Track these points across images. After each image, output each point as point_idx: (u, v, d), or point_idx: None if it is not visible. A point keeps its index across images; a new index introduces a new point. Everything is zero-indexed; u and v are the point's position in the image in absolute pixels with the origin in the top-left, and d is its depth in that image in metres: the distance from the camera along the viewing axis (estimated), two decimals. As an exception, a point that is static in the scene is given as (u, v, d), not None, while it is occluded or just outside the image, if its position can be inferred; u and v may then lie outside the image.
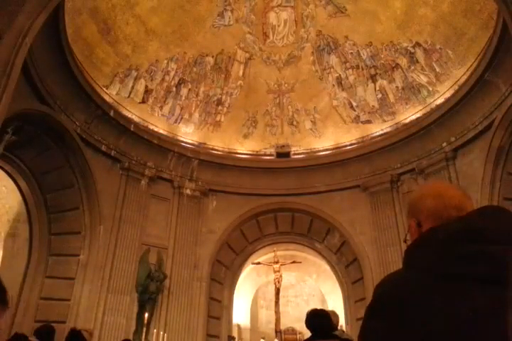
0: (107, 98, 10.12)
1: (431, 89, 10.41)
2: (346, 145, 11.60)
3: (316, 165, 11.58)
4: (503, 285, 0.83)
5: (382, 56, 11.04)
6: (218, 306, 10.94)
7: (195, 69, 11.62)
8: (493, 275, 0.84)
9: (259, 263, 12.43)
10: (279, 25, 11.71)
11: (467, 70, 9.30)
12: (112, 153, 10.06)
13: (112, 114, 10.00)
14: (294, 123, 12.25)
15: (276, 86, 12.17)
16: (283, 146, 12.12)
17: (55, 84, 8.36)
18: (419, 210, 1.15)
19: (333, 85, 11.77)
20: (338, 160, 11.39)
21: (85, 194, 9.40)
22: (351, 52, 11.37)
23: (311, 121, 12.12)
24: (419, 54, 10.44)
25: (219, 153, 11.81)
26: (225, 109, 12.05)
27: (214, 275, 11.00)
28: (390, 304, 0.90)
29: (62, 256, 9.05)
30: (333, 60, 11.61)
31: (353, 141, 11.55)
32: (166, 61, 11.23)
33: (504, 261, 0.84)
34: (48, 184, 9.15)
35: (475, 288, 0.84)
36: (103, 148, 9.86)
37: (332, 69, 11.68)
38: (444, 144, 9.78)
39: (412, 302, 0.86)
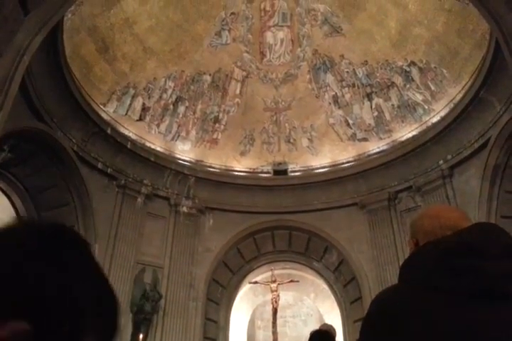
0: (104, 116, 10.14)
1: (426, 107, 10.51)
2: (343, 163, 11.61)
3: (314, 182, 11.56)
4: (491, 299, 0.83)
5: (378, 75, 11.18)
6: (214, 327, 10.71)
7: (192, 87, 11.71)
8: (481, 289, 0.84)
9: (256, 282, 12.23)
10: (275, 45, 11.89)
11: (462, 89, 9.41)
12: (109, 170, 10.02)
13: (109, 131, 10.01)
14: (291, 140, 12.29)
15: (273, 104, 12.26)
16: (280, 164, 12.12)
17: (53, 102, 8.37)
18: (417, 230, 1.23)
19: (330, 103, 11.87)
20: (336, 178, 11.38)
21: (81, 212, 9.30)
22: (347, 71, 11.51)
23: (308, 139, 12.16)
24: (415, 73, 10.59)
25: (216, 170, 11.78)
26: (222, 127, 12.10)
27: (210, 295, 10.81)
28: (383, 318, 0.90)
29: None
30: (330, 78, 11.74)
31: (350, 159, 11.57)
32: (163, 79, 11.32)
33: (493, 275, 0.84)
34: (43, 202, 9.06)
35: (463, 301, 0.84)
36: (99, 165, 9.82)
37: (328, 88, 11.81)
38: (441, 162, 9.81)
39: (405, 315, 0.87)
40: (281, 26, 11.68)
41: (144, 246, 10.24)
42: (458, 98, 9.48)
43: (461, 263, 0.87)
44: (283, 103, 12.24)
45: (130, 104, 10.92)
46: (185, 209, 11.11)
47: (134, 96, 10.97)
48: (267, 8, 11.54)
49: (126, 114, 10.84)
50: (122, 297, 9.30)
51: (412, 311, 0.87)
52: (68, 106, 8.87)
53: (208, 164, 11.83)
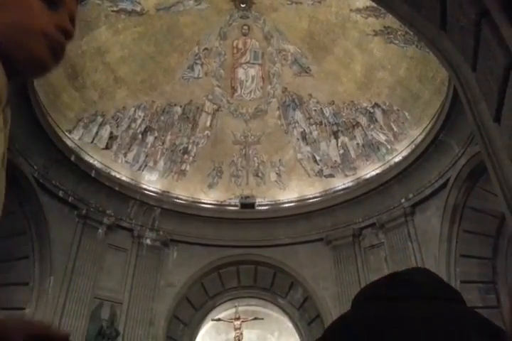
0: (68, 143, 9.92)
1: (389, 147, 10.93)
2: (310, 198, 11.74)
3: (280, 217, 11.57)
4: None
5: (344, 114, 11.61)
6: (173, 367, 10.17)
7: (162, 117, 11.73)
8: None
9: (219, 319, 11.83)
10: (247, 81, 12.21)
11: (423, 131, 9.89)
12: (70, 199, 9.67)
13: (72, 159, 9.76)
14: (260, 174, 12.38)
15: (242, 137, 12.41)
16: (248, 197, 12.12)
17: (16, 126, 8.12)
18: None
19: (298, 139, 12.14)
20: (302, 213, 11.45)
21: (37, 242, 8.84)
22: (315, 109, 11.91)
23: (276, 173, 12.30)
24: (378, 114, 11.08)
25: (183, 202, 11.62)
26: (190, 158, 12.06)
27: (171, 332, 10.33)
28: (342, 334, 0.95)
29: (5, 310, 8.27)
30: (298, 115, 12.08)
31: (317, 194, 11.73)
32: (133, 108, 11.29)
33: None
34: (-4, 231, 8.57)
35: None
36: (60, 193, 9.48)
37: (297, 124, 12.12)
38: (403, 200, 10.09)
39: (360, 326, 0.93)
40: (253, 64, 12.06)
41: (103, 280, 9.77)
42: (419, 140, 9.92)
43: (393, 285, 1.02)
44: (252, 137, 12.42)
45: (97, 132, 10.77)
46: (148, 241, 10.79)
47: (101, 125, 10.83)
48: (240, 46, 11.94)
49: (92, 142, 10.65)
50: (76, 333, 8.73)
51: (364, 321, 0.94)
52: (32, 132, 8.62)
53: (174, 195, 11.66)
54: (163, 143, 11.78)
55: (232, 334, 11.97)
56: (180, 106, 11.88)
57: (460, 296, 1.03)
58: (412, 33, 7.44)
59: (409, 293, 0.97)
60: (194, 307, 11.09)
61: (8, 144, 0.75)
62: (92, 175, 10.16)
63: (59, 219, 9.31)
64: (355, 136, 11.52)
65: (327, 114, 11.77)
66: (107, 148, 10.92)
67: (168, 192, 11.62)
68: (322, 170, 11.89)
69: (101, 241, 10.06)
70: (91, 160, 10.40)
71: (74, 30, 0.96)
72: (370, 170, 11.15)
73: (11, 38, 0.84)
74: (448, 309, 0.95)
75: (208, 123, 12.21)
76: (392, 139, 10.83)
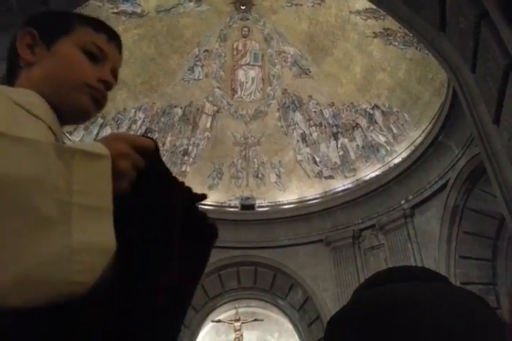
0: (69, 144, 9.93)
1: (389, 148, 10.95)
2: (310, 200, 11.76)
3: (280, 218, 11.58)
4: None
5: (344, 116, 11.63)
6: (172, 369, 10.15)
7: (163, 119, 11.75)
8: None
9: (219, 321, 11.83)
10: (247, 82, 12.24)
11: (422, 132, 9.91)
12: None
13: (73, 160, 9.76)
14: (260, 176, 12.39)
15: (242, 139, 12.43)
16: (248, 198, 12.13)
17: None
18: None
19: (298, 141, 12.16)
20: (302, 214, 11.46)
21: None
22: (315, 111, 11.93)
23: (276, 175, 12.31)
24: (378, 115, 11.10)
25: (182, 203, 11.61)
26: (191, 160, 12.08)
27: (169, 334, 10.31)
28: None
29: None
30: (298, 117, 12.11)
31: (317, 196, 11.75)
32: (133, 110, 11.32)
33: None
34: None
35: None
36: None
37: (297, 126, 12.14)
38: (403, 202, 10.10)
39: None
40: (253, 65, 12.09)
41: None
42: (418, 141, 9.94)
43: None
44: (252, 138, 12.43)
45: (98, 134, 10.78)
46: (148, 242, 10.78)
47: (102, 126, 10.86)
48: (240, 48, 11.98)
49: (93, 144, 10.67)
50: None
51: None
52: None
53: (174, 197, 11.65)
54: (163, 145, 11.79)
55: (233, 335, 11.96)
56: (181, 108, 11.90)
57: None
58: (411, 34, 7.48)
59: (408, 277, 0.99)
60: (194, 309, 11.08)
61: None
62: (92, 176, 10.15)
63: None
64: (354, 138, 11.54)
65: (327, 116, 11.80)
66: (107, 149, 10.93)
67: (168, 193, 11.62)
68: (322, 172, 11.91)
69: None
70: (91, 162, 10.40)
71: (115, 82, 1.08)
72: (369, 171, 11.17)
73: (59, 91, 0.96)
74: (450, 287, 0.98)
75: (208, 125, 12.23)
76: (392, 141, 10.86)
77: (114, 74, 1.07)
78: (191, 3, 10.56)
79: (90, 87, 0.98)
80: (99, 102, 1.02)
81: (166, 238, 0.79)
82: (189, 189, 0.92)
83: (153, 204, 0.80)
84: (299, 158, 12.17)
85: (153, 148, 0.87)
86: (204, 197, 0.94)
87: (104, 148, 0.75)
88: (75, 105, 0.98)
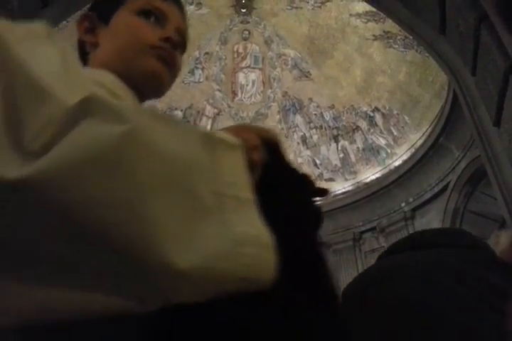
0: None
1: (389, 151, 10.95)
2: (310, 202, 11.74)
3: (280, 221, 11.56)
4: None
5: (344, 118, 11.64)
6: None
7: (163, 122, 11.77)
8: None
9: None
10: (247, 85, 12.26)
11: (422, 135, 9.91)
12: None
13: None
14: (260, 178, 12.39)
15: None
16: (248, 201, 12.12)
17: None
18: None
19: (298, 143, 12.17)
20: (302, 217, 11.44)
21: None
22: (315, 114, 11.94)
23: (277, 177, 12.31)
24: (378, 118, 11.11)
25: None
26: (191, 162, 12.09)
27: None
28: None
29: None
30: (298, 119, 12.12)
31: (318, 198, 11.72)
32: (134, 113, 11.34)
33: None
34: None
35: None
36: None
37: (297, 128, 12.15)
38: (403, 204, 10.10)
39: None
40: (253, 68, 12.12)
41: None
42: (419, 143, 9.94)
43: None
44: (252, 141, 12.44)
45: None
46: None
47: (102, 129, 10.88)
48: (240, 51, 12.00)
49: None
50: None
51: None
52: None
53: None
54: (163, 147, 11.81)
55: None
56: (181, 110, 11.91)
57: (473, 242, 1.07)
58: (411, 37, 7.49)
59: (409, 245, 1.02)
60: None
61: None
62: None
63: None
64: (355, 140, 11.55)
65: (327, 118, 11.81)
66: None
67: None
68: (322, 174, 11.91)
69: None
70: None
71: (183, 41, 1.02)
72: (370, 174, 11.16)
73: (125, 61, 0.93)
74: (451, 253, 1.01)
75: (209, 127, 12.23)
76: (392, 143, 10.86)
77: (181, 34, 1.01)
78: (192, 7, 10.60)
79: (154, 47, 0.93)
80: (168, 62, 0.95)
81: (300, 237, 0.72)
82: (313, 182, 0.86)
83: (283, 200, 0.75)
84: (300, 160, 12.17)
85: (277, 141, 0.83)
86: (327, 192, 0.89)
87: (235, 138, 0.69)
88: (144, 70, 0.93)
